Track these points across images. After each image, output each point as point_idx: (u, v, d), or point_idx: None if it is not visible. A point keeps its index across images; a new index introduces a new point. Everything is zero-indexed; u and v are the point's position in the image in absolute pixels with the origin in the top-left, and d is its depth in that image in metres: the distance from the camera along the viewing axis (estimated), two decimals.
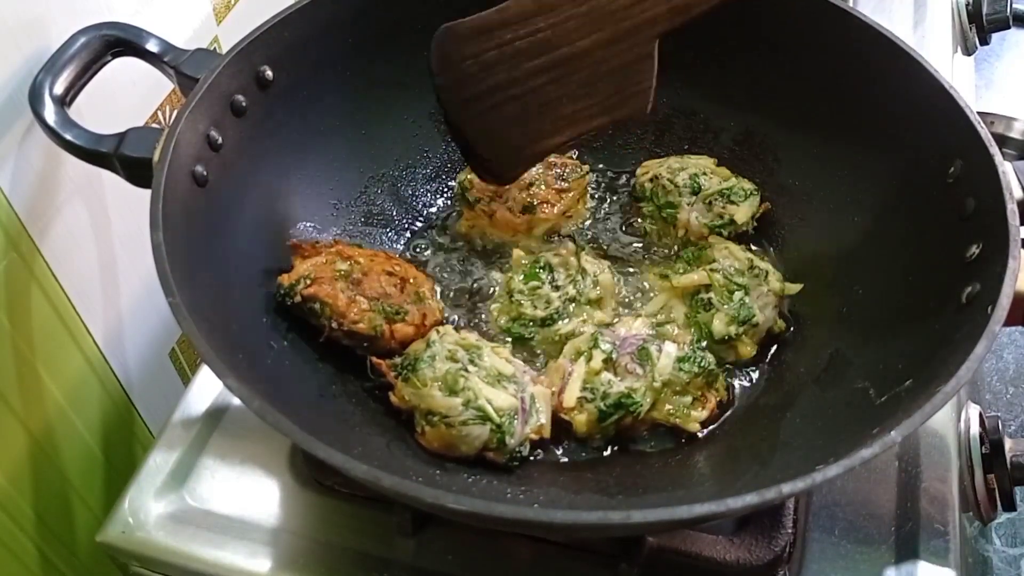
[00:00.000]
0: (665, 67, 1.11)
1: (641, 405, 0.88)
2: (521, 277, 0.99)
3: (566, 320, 0.97)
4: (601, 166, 1.17)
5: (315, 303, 0.91)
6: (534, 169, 1.07)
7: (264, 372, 0.84)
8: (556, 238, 1.08)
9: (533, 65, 0.91)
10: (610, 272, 1.01)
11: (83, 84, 0.91)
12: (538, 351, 0.98)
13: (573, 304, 0.98)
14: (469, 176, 1.07)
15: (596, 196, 1.14)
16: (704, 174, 1.06)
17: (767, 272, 0.99)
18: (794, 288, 1.00)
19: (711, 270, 0.98)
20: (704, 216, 1.04)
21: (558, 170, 1.09)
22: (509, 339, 0.98)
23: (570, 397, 0.89)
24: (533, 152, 0.98)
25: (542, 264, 1.00)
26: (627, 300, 1.03)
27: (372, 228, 1.09)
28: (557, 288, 0.98)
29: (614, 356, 0.91)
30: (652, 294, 1.02)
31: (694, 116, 1.14)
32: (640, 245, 1.09)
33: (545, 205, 1.06)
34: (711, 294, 0.97)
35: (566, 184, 1.08)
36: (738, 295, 0.96)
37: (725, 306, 0.96)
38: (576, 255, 1.00)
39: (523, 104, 0.93)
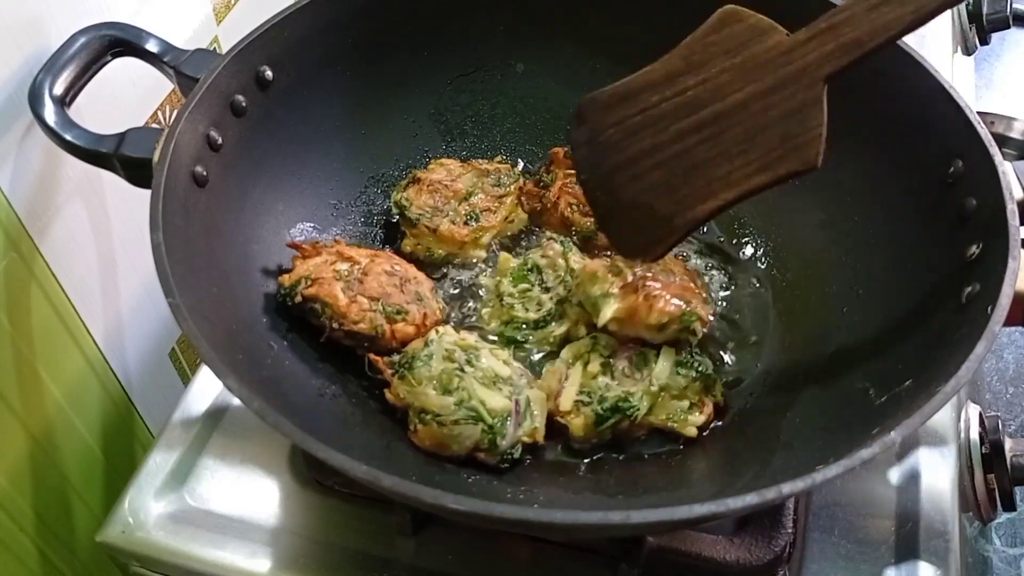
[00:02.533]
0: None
1: (638, 409, 0.88)
2: (509, 280, 0.99)
3: (560, 320, 0.97)
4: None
5: (316, 303, 0.91)
6: (470, 178, 1.07)
7: (264, 372, 0.84)
8: (497, 248, 1.06)
9: (681, 126, 0.83)
10: None
11: (83, 84, 0.91)
12: (535, 354, 0.97)
13: (565, 304, 0.97)
14: (404, 194, 1.05)
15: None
16: None
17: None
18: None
19: None
20: None
21: (493, 176, 1.08)
22: (505, 343, 0.97)
23: (567, 400, 0.89)
24: (684, 221, 0.86)
25: (530, 266, 0.99)
26: None
27: (372, 228, 1.09)
28: (547, 289, 0.97)
29: (612, 360, 0.91)
30: None
31: None
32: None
33: (487, 213, 1.05)
34: None
35: (503, 190, 1.07)
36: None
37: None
38: (563, 256, 0.99)
39: (670, 169, 0.84)
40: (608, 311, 0.91)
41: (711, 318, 0.96)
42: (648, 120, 0.84)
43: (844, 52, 0.76)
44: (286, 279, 0.93)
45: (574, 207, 1.05)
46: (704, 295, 0.97)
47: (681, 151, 0.83)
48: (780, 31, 0.78)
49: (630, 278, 0.91)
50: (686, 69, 0.82)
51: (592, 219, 1.03)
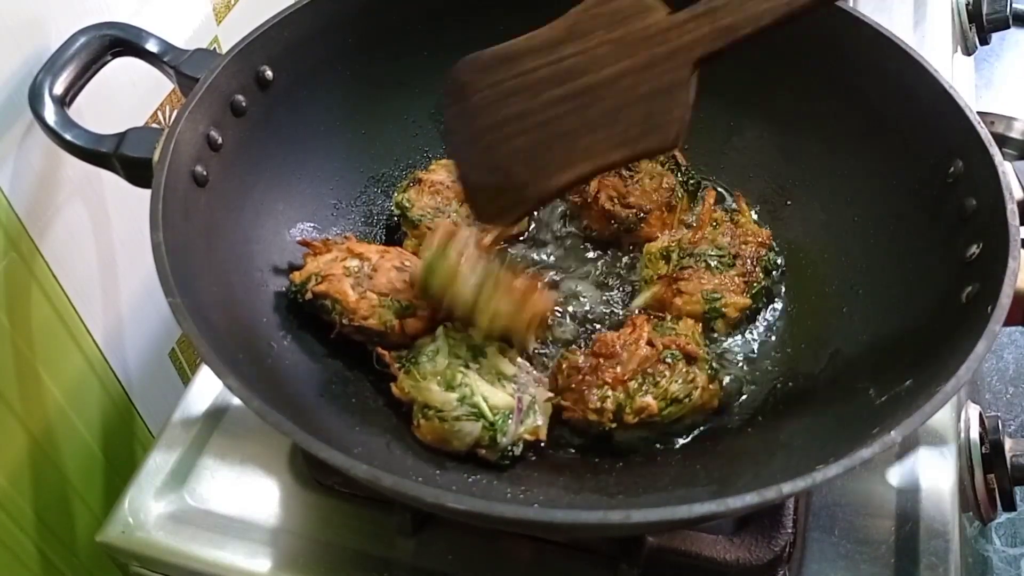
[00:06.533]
0: None
1: None
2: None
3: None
4: None
5: (326, 300, 0.92)
6: None
7: (264, 372, 0.84)
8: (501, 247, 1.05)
9: (553, 94, 0.82)
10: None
11: (83, 84, 0.91)
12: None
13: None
14: (406, 195, 1.05)
15: None
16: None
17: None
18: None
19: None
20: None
21: None
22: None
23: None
24: (537, 191, 0.85)
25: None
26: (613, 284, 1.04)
27: (373, 228, 1.09)
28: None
29: None
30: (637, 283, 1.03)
31: (692, 116, 1.13)
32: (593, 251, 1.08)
33: None
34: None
35: None
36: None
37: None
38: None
39: (534, 136, 0.83)
40: (640, 299, 1.00)
41: (743, 309, 0.99)
42: (522, 85, 0.84)
43: (716, 37, 0.76)
44: (296, 276, 0.93)
45: (614, 200, 1.06)
46: (743, 284, 0.99)
47: (548, 119, 0.83)
48: (662, 9, 0.78)
49: (670, 268, 0.99)
50: (568, 38, 0.82)
51: (633, 211, 1.05)
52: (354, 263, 0.94)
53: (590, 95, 0.81)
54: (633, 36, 0.79)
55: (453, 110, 0.88)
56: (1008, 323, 0.75)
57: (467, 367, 0.87)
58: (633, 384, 0.88)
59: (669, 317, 0.97)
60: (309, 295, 0.92)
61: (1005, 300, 0.75)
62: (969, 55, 1.54)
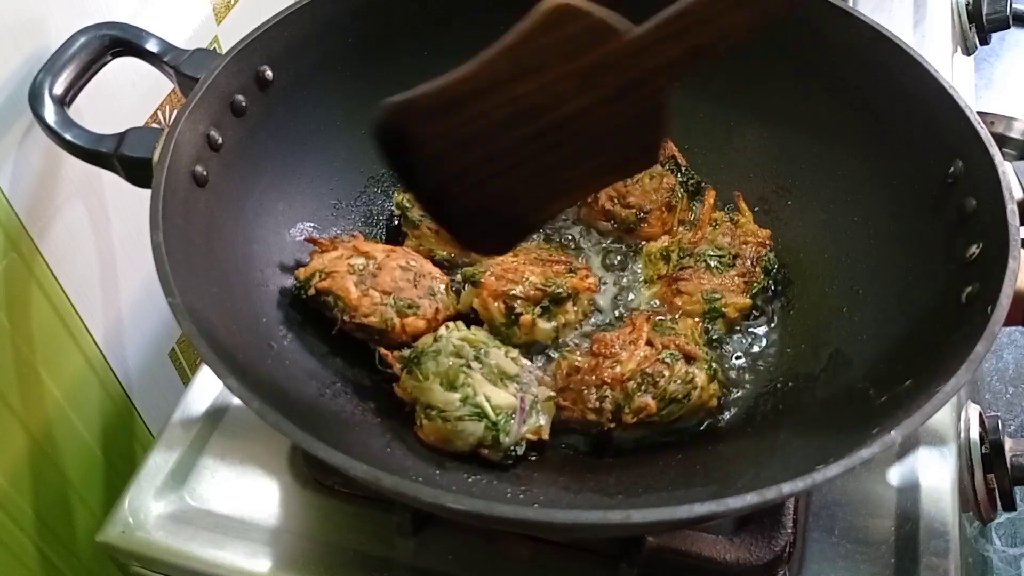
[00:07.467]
0: None
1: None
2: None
3: None
4: None
5: (328, 296, 0.92)
6: None
7: (264, 372, 0.84)
8: None
9: (520, 134, 0.75)
10: None
11: (83, 84, 0.91)
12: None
13: None
14: (406, 195, 1.05)
15: None
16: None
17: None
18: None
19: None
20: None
21: None
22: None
23: None
24: (529, 224, 0.84)
25: None
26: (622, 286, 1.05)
27: (372, 228, 1.09)
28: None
29: None
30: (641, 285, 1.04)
31: (692, 116, 1.14)
32: (594, 241, 1.09)
33: None
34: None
35: None
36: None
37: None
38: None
39: (515, 176, 0.78)
40: (640, 299, 1.02)
41: (742, 310, 0.99)
42: (480, 129, 0.77)
43: (688, 59, 0.71)
44: (301, 273, 0.94)
45: (614, 200, 1.07)
46: (743, 284, 0.99)
47: (521, 159, 0.77)
48: (621, 30, 0.70)
49: (670, 268, 1.01)
50: (517, 73, 0.74)
51: (633, 211, 1.06)
52: (359, 261, 0.95)
53: (564, 130, 0.75)
54: (597, 65, 0.72)
55: (401, 163, 0.81)
56: (1008, 323, 0.75)
57: (469, 367, 0.87)
58: (632, 384, 0.88)
59: (669, 317, 0.97)
60: (312, 291, 0.93)
61: (1005, 300, 0.75)
62: (969, 55, 1.54)
